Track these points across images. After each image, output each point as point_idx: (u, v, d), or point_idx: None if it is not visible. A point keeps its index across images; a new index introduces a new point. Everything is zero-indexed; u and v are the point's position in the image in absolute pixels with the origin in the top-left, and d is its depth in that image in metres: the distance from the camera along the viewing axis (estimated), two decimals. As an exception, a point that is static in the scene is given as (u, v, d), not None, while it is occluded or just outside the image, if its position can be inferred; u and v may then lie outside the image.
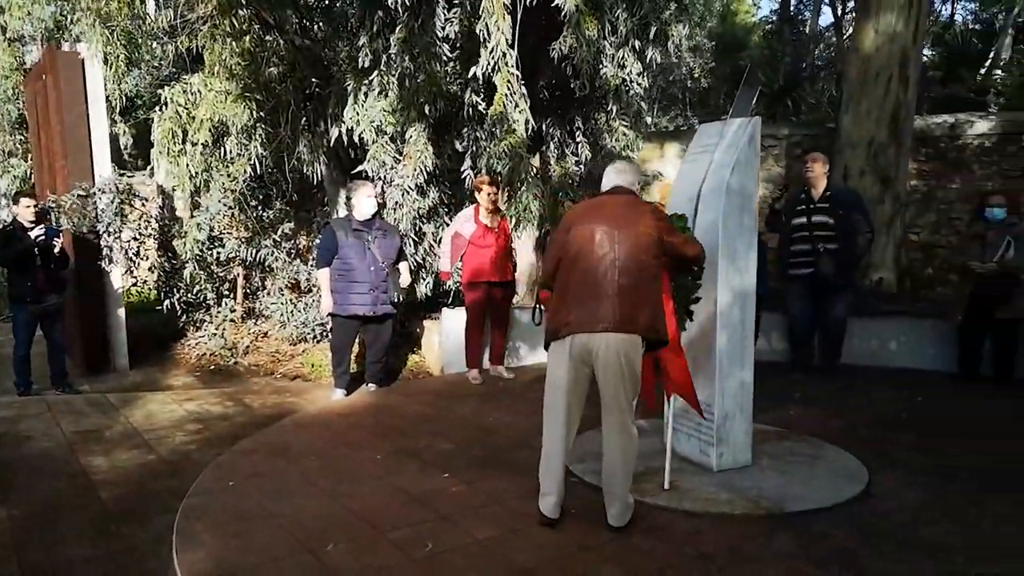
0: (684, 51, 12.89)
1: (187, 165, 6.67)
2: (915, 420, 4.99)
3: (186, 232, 6.98)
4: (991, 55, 14.70)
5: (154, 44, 8.33)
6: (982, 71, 13.95)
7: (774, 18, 20.92)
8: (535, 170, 6.28)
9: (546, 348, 3.38)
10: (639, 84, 6.33)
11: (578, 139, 6.87)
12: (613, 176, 3.59)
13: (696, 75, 16.40)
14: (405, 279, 5.88)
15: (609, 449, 3.27)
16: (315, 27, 6.83)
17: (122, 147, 11.90)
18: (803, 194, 6.16)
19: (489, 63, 5.35)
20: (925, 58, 10.94)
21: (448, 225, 6.36)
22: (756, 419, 4.08)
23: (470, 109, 6.14)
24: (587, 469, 3.89)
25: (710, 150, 3.97)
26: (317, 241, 6.29)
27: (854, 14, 12.54)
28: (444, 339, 6.50)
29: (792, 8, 19.62)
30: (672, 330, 3.48)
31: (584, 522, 3.34)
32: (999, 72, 13.67)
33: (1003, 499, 3.61)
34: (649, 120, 9.60)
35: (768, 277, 5.77)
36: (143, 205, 7.42)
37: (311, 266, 7.47)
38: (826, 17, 19.18)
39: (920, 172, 8.71)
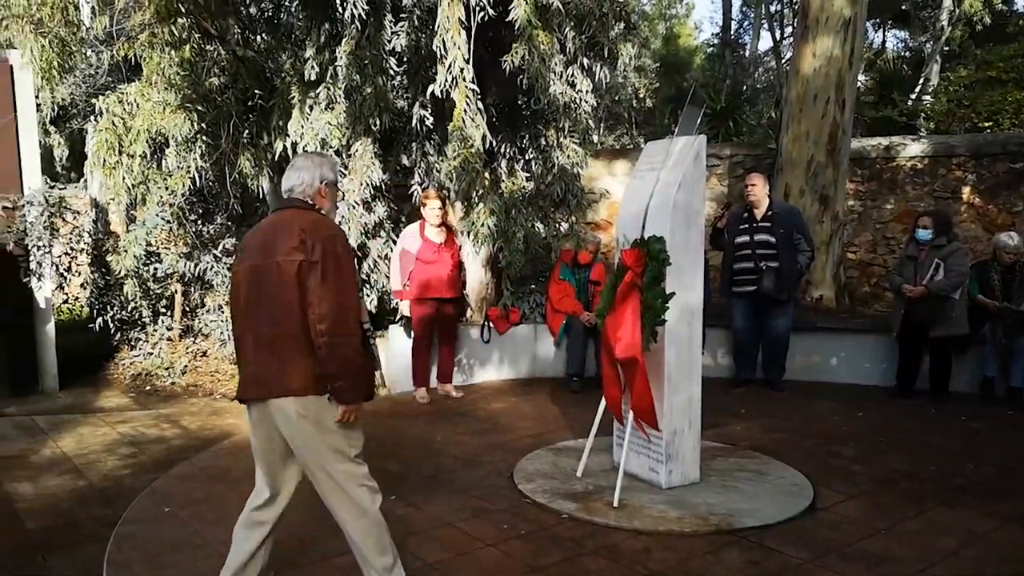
0: (630, 71, 13.12)
1: (123, 177, 6.45)
2: (856, 433, 5.09)
3: (125, 249, 6.72)
4: (920, 81, 15.40)
5: (89, 52, 8.08)
6: (912, 96, 14.58)
7: (716, 41, 21.52)
8: (488, 183, 6.26)
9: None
10: (588, 102, 6.38)
11: (528, 155, 6.87)
12: (286, 178, 2.72)
13: (641, 95, 16.72)
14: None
15: (339, 520, 2.72)
16: (258, 38, 6.70)
17: (56, 158, 11.47)
18: (746, 213, 6.28)
19: (447, 79, 5.34)
20: (859, 83, 11.35)
21: (395, 242, 6.27)
22: (703, 435, 4.10)
23: (418, 124, 6.09)
24: (537, 488, 3.84)
25: (657, 168, 4.00)
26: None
27: (792, 39, 12.94)
28: (391, 357, 6.39)
29: (732, 32, 20.22)
30: (637, 352, 3.45)
31: (533, 543, 3.28)
32: (928, 98, 14.30)
33: (940, 508, 3.71)
34: (596, 138, 9.69)
35: (711, 293, 5.85)
36: (75, 218, 7.12)
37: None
38: (765, 41, 19.82)
39: (857, 192, 9.00)
